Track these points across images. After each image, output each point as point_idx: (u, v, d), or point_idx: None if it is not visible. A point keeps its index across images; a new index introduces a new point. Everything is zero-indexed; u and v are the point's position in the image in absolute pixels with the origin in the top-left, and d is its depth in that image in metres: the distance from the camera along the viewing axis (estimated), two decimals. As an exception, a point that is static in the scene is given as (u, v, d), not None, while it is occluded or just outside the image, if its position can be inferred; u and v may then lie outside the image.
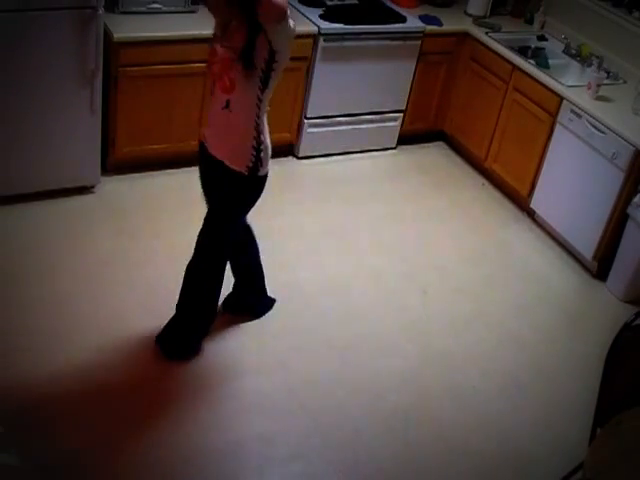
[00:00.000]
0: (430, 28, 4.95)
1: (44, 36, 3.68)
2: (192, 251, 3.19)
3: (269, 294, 3.69)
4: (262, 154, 2.95)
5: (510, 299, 4.17)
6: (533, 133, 4.66)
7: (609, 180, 4.21)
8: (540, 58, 4.92)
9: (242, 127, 2.90)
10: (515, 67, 4.75)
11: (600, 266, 4.44)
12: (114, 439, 2.96)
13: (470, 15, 5.23)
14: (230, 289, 3.55)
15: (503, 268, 4.41)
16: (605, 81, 4.45)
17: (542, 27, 5.24)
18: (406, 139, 5.36)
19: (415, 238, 4.50)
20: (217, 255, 3.20)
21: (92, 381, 3.16)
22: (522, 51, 4.95)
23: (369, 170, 5.09)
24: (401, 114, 5.21)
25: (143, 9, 4.19)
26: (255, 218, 4.33)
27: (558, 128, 4.50)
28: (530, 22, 5.31)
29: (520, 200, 4.92)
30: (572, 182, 4.44)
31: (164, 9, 4.19)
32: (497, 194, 5.06)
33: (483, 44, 4.98)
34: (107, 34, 3.95)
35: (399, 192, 4.90)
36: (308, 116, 4.85)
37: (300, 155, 4.98)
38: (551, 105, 4.51)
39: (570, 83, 4.56)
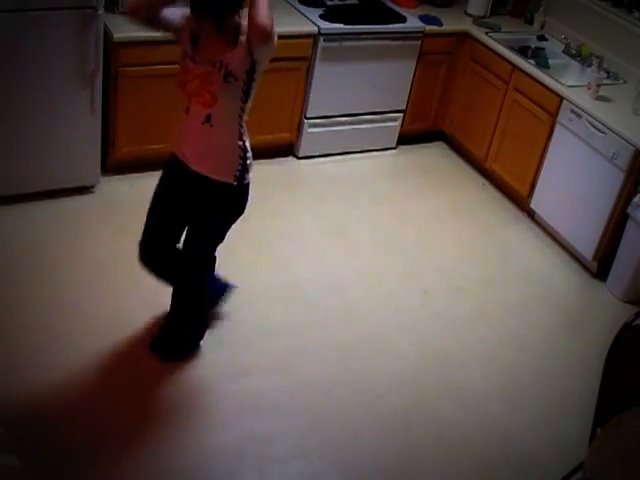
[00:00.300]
0: (430, 28, 4.95)
1: (44, 36, 3.68)
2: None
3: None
4: (248, 162, 2.93)
5: (510, 299, 4.17)
6: (533, 133, 4.66)
7: (609, 180, 4.21)
8: (540, 58, 4.92)
9: (226, 139, 2.85)
10: (515, 67, 4.75)
11: (600, 266, 4.43)
12: (114, 439, 2.96)
13: (470, 15, 5.23)
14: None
15: (503, 268, 4.41)
16: (605, 81, 4.45)
17: (542, 27, 5.24)
18: (406, 139, 5.36)
19: (415, 238, 4.50)
20: (203, 271, 3.22)
21: (92, 381, 3.16)
22: (522, 51, 4.95)
23: (369, 170, 5.09)
24: (401, 114, 5.21)
25: (143, 9, 4.19)
26: (255, 218, 4.34)
27: (558, 128, 4.50)
28: (530, 22, 5.31)
29: (520, 200, 4.92)
30: (572, 182, 4.44)
31: (164, 9, 4.19)
32: (497, 194, 5.06)
33: (483, 44, 4.98)
34: (107, 34, 3.95)
35: (399, 192, 4.90)
36: (308, 116, 4.85)
37: (300, 155, 4.98)
38: (551, 105, 4.51)
39: (570, 83, 4.56)
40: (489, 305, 4.08)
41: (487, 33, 5.03)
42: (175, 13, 2.81)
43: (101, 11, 3.75)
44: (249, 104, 2.86)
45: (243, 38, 2.70)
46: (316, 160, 5.02)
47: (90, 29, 3.76)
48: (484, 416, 3.41)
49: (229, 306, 3.66)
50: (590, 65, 4.68)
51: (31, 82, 3.77)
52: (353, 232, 4.43)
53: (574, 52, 4.90)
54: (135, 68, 4.08)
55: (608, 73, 4.54)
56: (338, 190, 4.77)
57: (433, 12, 5.14)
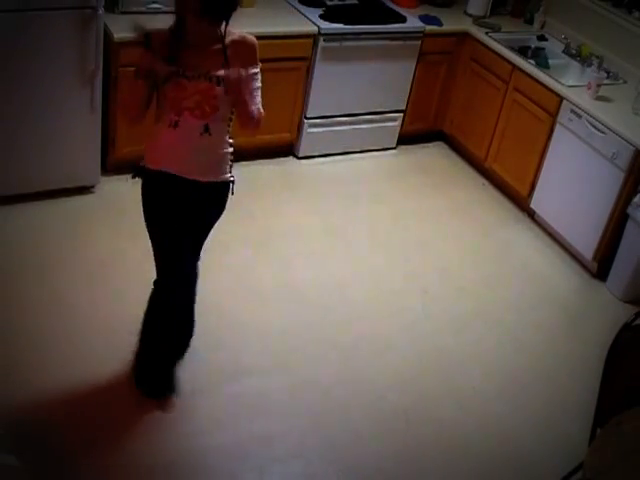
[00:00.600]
0: (430, 28, 4.95)
1: (44, 36, 3.68)
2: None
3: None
4: (232, 157, 2.95)
5: (510, 299, 4.17)
6: (533, 133, 4.66)
7: (609, 180, 4.21)
8: (540, 58, 4.92)
9: (224, 143, 2.85)
10: (515, 67, 4.75)
11: (600, 266, 4.43)
12: (114, 439, 2.96)
13: (470, 15, 5.23)
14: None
15: (503, 268, 4.41)
16: (605, 81, 4.45)
17: (542, 27, 5.24)
18: (406, 139, 5.36)
19: (415, 238, 4.50)
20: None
21: (91, 381, 3.16)
22: (522, 51, 4.95)
23: (369, 170, 5.09)
24: (401, 114, 5.21)
25: (143, 9, 4.19)
26: (255, 218, 4.34)
27: (558, 128, 4.50)
28: (530, 22, 5.31)
29: (520, 200, 4.92)
30: (572, 182, 4.44)
31: (164, 9, 4.18)
32: (497, 194, 5.06)
33: (483, 44, 4.98)
34: (107, 34, 3.95)
35: (399, 192, 4.90)
36: (308, 116, 4.85)
37: (300, 155, 4.98)
38: (551, 105, 4.51)
39: (570, 83, 4.56)
40: (489, 305, 4.08)
41: (487, 33, 5.03)
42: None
43: (101, 11, 3.75)
44: None
45: (233, 56, 2.68)
46: (316, 160, 5.02)
47: (90, 29, 3.76)
48: (484, 416, 3.41)
49: (229, 306, 3.66)
50: (590, 65, 4.68)
51: (31, 82, 3.77)
52: (353, 232, 4.43)
53: (574, 52, 4.90)
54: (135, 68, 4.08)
55: (608, 73, 4.54)
56: (338, 190, 4.77)
57: (433, 12, 5.14)
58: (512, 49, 4.85)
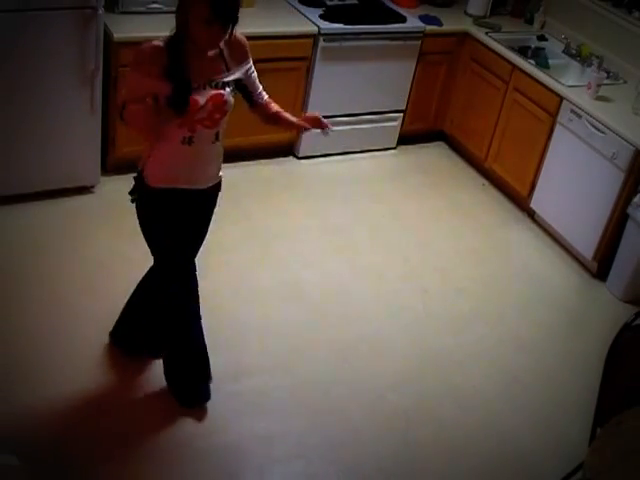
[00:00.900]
0: (430, 28, 4.95)
1: (44, 36, 3.68)
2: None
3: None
4: None
5: (510, 299, 4.17)
6: (533, 133, 4.66)
7: (609, 180, 4.21)
8: (540, 58, 4.92)
9: (222, 145, 2.84)
10: (515, 67, 4.75)
11: (600, 266, 4.43)
12: (113, 439, 2.96)
13: (470, 15, 5.23)
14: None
15: (503, 268, 4.41)
16: (605, 81, 4.45)
17: (542, 27, 5.24)
18: (406, 139, 5.36)
19: (415, 238, 4.50)
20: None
21: (91, 381, 3.16)
22: (522, 51, 4.95)
23: (369, 170, 5.09)
24: (401, 114, 5.21)
25: (143, 9, 4.19)
26: (255, 218, 4.34)
27: (558, 128, 4.50)
28: (530, 22, 5.31)
29: (520, 200, 4.92)
30: (572, 182, 4.44)
31: (164, 9, 4.18)
32: (497, 194, 5.06)
33: (483, 44, 4.98)
34: (107, 34, 3.95)
35: (399, 192, 4.90)
36: (308, 116, 4.85)
37: (300, 155, 4.98)
38: (551, 105, 4.51)
39: (570, 83, 4.56)
40: (489, 305, 4.08)
41: (487, 33, 5.03)
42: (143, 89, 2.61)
43: (101, 11, 3.75)
44: None
45: (230, 58, 2.68)
46: (316, 160, 5.02)
47: (90, 29, 3.76)
48: (484, 416, 3.41)
49: (229, 306, 3.66)
50: (590, 65, 4.68)
51: (31, 82, 3.77)
52: (353, 232, 4.43)
53: (574, 52, 4.90)
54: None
55: (608, 73, 4.54)
56: (338, 190, 4.77)
57: (433, 12, 5.14)
58: (512, 49, 4.85)
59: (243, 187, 4.54)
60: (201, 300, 3.10)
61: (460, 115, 5.27)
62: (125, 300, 3.23)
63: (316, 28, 4.58)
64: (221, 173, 2.92)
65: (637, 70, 4.65)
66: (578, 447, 2.99)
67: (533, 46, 5.11)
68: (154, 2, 4.20)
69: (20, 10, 3.57)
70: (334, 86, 4.81)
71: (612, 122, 4.18)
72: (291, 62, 4.59)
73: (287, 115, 2.94)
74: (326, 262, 4.15)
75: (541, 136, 4.60)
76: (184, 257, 2.96)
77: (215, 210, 2.98)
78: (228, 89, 2.67)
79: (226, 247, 3.97)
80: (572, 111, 4.38)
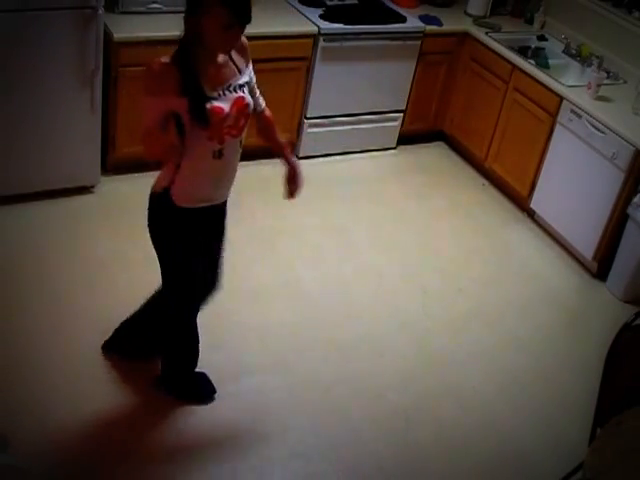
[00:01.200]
0: (430, 28, 4.95)
1: (44, 36, 3.68)
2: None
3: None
4: None
5: (510, 299, 4.17)
6: (533, 133, 4.66)
7: (609, 180, 4.21)
8: (540, 58, 4.92)
9: None
10: (515, 67, 4.75)
11: (600, 266, 4.43)
12: (113, 439, 2.96)
13: (470, 15, 5.23)
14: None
15: (503, 268, 4.41)
16: (605, 81, 4.44)
17: (542, 27, 5.24)
18: (406, 139, 5.36)
19: (415, 238, 4.50)
20: None
21: (90, 381, 3.16)
22: (522, 51, 4.95)
23: (369, 170, 5.09)
24: (401, 114, 5.21)
25: (143, 9, 4.19)
26: (255, 218, 4.34)
27: (558, 128, 4.50)
28: (530, 22, 5.31)
29: (520, 200, 4.92)
30: (572, 182, 4.44)
31: (164, 9, 4.19)
32: (497, 194, 5.06)
33: (483, 44, 4.98)
34: (107, 34, 3.95)
35: (399, 192, 4.90)
36: (308, 116, 4.85)
37: (300, 155, 4.98)
38: (551, 105, 4.51)
39: (570, 83, 4.56)
40: (489, 305, 4.08)
41: (487, 33, 5.03)
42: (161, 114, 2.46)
43: (101, 11, 3.75)
44: None
45: (237, 59, 2.64)
46: (316, 160, 5.02)
47: (90, 29, 3.76)
48: (484, 416, 3.41)
49: (229, 306, 3.66)
50: (590, 65, 4.68)
51: (31, 82, 3.77)
52: (353, 232, 4.43)
53: (574, 52, 4.90)
54: (135, 68, 4.07)
55: (608, 73, 4.54)
56: (338, 190, 4.77)
57: (433, 12, 5.14)
58: (512, 49, 4.85)
59: (243, 187, 4.50)
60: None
61: (460, 115, 5.27)
62: (125, 300, 3.23)
63: (316, 28, 4.59)
64: None
65: (637, 70, 4.65)
66: (578, 447, 3.00)
67: (533, 46, 5.12)
68: (154, 2, 4.20)
69: (20, 10, 3.57)
70: (334, 86, 4.81)
71: (612, 122, 4.18)
72: (291, 62, 4.59)
73: (277, 137, 2.94)
74: (326, 262, 4.15)
75: (541, 136, 4.61)
76: (208, 285, 2.95)
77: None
78: (246, 91, 2.62)
79: (226, 247, 3.96)
80: (572, 111, 4.38)
